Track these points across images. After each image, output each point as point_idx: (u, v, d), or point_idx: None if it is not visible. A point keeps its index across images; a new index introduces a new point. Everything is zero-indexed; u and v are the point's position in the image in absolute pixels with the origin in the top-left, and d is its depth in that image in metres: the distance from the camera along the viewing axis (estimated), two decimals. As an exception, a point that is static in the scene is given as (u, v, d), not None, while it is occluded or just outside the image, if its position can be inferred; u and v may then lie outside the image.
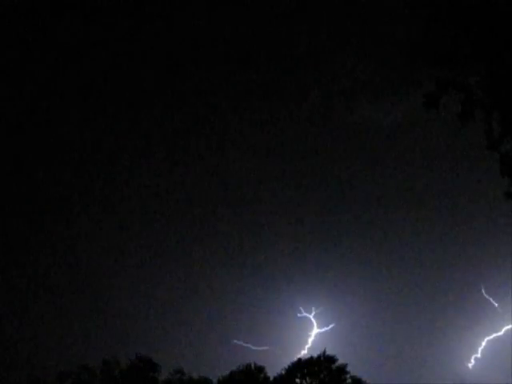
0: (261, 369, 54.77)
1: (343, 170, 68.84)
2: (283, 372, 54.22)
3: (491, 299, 62.12)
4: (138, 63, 69.50)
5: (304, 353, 59.03)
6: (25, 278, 66.35)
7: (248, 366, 54.62)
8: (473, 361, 60.58)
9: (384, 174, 68.54)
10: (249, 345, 62.44)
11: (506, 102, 11.15)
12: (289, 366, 54.31)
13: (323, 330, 62.28)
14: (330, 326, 62.77)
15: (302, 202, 67.93)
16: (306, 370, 53.96)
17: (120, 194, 69.74)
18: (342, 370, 53.65)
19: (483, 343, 60.88)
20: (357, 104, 67.20)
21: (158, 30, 67.41)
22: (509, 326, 60.33)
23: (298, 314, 63.71)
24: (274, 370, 54.75)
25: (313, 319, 62.45)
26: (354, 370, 54.02)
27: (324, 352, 54.25)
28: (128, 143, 70.44)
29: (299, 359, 55.15)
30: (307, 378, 53.93)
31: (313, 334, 61.83)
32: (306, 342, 61.03)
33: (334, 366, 53.78)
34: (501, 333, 60.57)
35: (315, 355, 54.63)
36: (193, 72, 69.47)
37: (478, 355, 60.63)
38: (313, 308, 62.68)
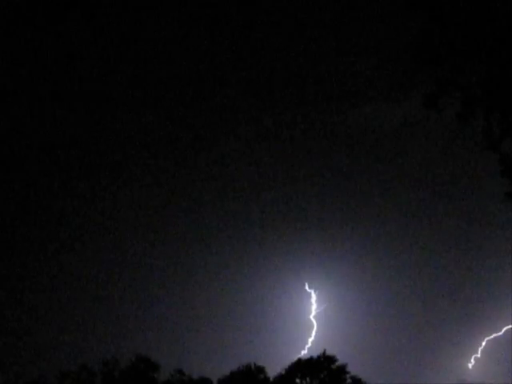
0: (261, 369, 54.73)
1: (344, 169, 68.86)
2: (283, 372, 54.18)
3: (491, 299, 62.14)
4: (137, 64, 69.52)
5: (304, 353, 59.05)
6: (25, 279, 66.37)
7: (248, 366, 54.58)
8: (473, 361, 60.62)
9: (384, 173, 68.55)
10: (249, 345, 62.49)
11: (506, 102, 11.13)
12: (289, 366, 54.26)
13: (323, 330, 62.30)
14: (331, 327, 62.83)
15: (302, 202, 67.96)
16: (305, 370, 53.91)
17: (120, 194, 69.76)
18: (342, 370, 53.59)
19: (483, 343, 60.92)
20: (357, 104, 67.23)
21: (159, 31, 67.43)
22: (509, 326, 60.35)
23: (298, 314, 63.83)
24: (274, 369, 54.78)
25: (313, 319, 62.50)
26: (354, 370, 54.05)
27: (324, 352, 54.21)
28: (130, 142, 70.47)
29: (299, 359, 55.10)
30: (307, 378, 53.88)
31: (313, 334, 61.87)
32: (306, 342, 61.06)
33: (333, 366, 53.72)
34: (501, 333, 60.59)
35: (315, 355, 54.60)
36: (192, 75, 69.48)
37: (478, 355, 60.65)
38: (313, 308, 62.75)
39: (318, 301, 62.71)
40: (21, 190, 69.48)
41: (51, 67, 67.76)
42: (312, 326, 62.08)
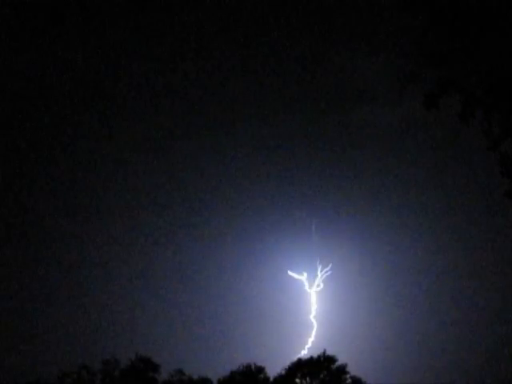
0: (261, 369, 54.75)
1: (344, 168, 68.87)
2: (283, 372, 54.22)
3: (491, 299, 62.21)
4: (137, 66, 69.53)
5: (304, 353, 59.07)
6: (25, 279, 66.39)
7: (248, 366, 54.61)
8: (472, 360, 60.64)
9: (385, 172, 68.54)
10: (249, 345, 62.53)
11: (506, 102, 11.15)
12: (289, 366, 54.28)
13: (323, 330, 62.33)
14: (331, 327, 62.87)
15: (302, 202, 67.97)
16: (306, 370, 53.93)
17: (122, 194, 69.81)
18: (342, 370, 53.62)
19: (483, 342, 60.98)
20: (359, 104, 67.23)
21: (160, 30, 67.46)
22: (508, 326, 60.41)
23: (298, 314, 63.88)
24: (274, 370, 54.82)
25: (313, 319, 62.53)
26: (354, 370, 54.09)
27: (324, 352, 54.23)
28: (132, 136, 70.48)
29: (299, 359, 55.13)
30: (307, 378, 53.91)
31: (313, 334, 61.88)
32: (306, 342, 61.06)
33: (333, 366, 53.75)
34: (501, 333, 60.65)
35: (315, 355, 54.61)
36: (194, 73, 69.48)
37: (478, 354, 60.70)
38: (313, 308, 62.75)
39: (318, 301, 62.77)
40: (21, 189, 69.54)
41: (52, 67, 67.83)
42: (312, 326, 62.13)
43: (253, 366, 54.83)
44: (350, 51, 65.16)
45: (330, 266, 62.09)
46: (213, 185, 70.17)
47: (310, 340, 61.29)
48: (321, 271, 62.29)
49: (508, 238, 60.09)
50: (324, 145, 69.12)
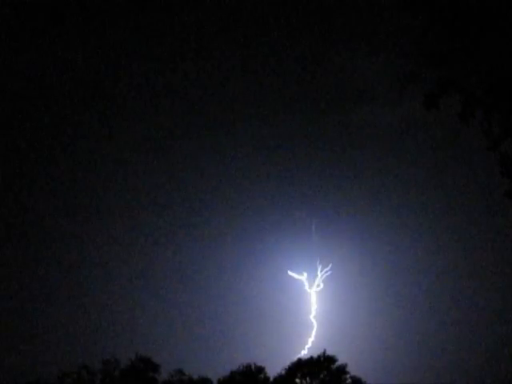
0: (261, 369, 54.75)
1: (345, 168, 68.85)
2: (283, 372, 54.22)
3: (491, 299, 62.19)
4: (138, 67, 69.52)
5: (304, 353, 59.06)
6: (25, 279, 66.37)
7: (248, 366, 54.61)
8: (472, 360, 60.63)
9: (384, 172, 68.53)
10: (249, 345, 62.51)
11: (506, 102, 11.15)
12: (289, 366, 54.29)
13: (323, 330, 62.32)
14: (331, 326, 62.87)
15: (302, 202, 67.94)
16: (306, 370, 53.93)
17: (122, 193, 69.79)
18: (342, 370, 53.62)
19: (482, 343, 60.96)
20: (359, 104, 67.21)
21: (160, 30, 67.45)
22: (508, 326, 60.38)
23: (298, 314, 63.86)
24: (274, 369, 54.82)
25: (313, 319, 62.52)
26: (354, 370, 54.08)
27: (324, 352, 54.24)
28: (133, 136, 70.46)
29: (299, 359, 55.13)
30: (307, 378, 53.91)
31: (313, 334, 61.87)
32: (306, 342, 61.06)
33: (333, 366, 53.75)
34: (500, 333, 60.61)
35: (315, 355, 54.62)
36: (194, 73, 69.48)
37: (478, 354, 60.69)
38: (313, 308, 62.74)
39: (318, 301, 62.76)
40: (21, 189, 69.53)
41: (52, 67, 67.83)
42: (312, 326, 62.11)
43: (253, 366, 54.82)
44: (350, 51, 65.17)
45: (330, 266, 62.11)
46: (213, 185, 70.17)
47: (310, 340, 61.30)
48: (321, 271, 62.31)
49: (508, 238, 60.11)
50: (324, 145, 69.11)
